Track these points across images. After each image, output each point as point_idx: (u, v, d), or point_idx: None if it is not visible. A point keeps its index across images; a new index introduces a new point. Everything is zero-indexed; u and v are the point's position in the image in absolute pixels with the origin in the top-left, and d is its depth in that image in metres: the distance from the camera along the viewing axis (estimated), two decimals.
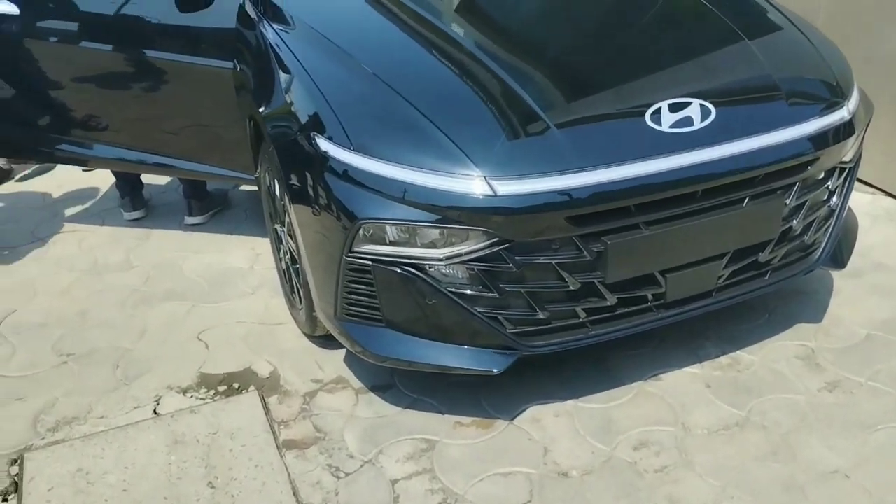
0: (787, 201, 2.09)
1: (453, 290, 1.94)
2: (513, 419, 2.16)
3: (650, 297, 2.07)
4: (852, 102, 2.17)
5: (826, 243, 2.30)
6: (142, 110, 2.95)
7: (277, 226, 2.51)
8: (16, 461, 2.08)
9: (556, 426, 2.13)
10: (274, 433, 2.14)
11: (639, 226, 1.93)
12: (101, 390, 2.35)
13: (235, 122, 2.67)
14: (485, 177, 1.82)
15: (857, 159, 2.31)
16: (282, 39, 2.32)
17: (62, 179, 3.93)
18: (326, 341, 2.44)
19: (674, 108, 1.95)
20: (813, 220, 2.23)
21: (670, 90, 2.01)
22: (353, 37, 2.28)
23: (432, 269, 1.93)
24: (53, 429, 2.20)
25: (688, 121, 1.95)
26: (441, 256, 1.89)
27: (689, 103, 1.97)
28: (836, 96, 2.17)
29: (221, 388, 2.36)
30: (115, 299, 2.84)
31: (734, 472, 1.95)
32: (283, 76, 2.21)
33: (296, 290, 2.43)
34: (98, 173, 3.81)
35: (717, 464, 1.98)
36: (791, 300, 2.60)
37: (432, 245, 1.90)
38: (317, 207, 1.99)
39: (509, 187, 1.82)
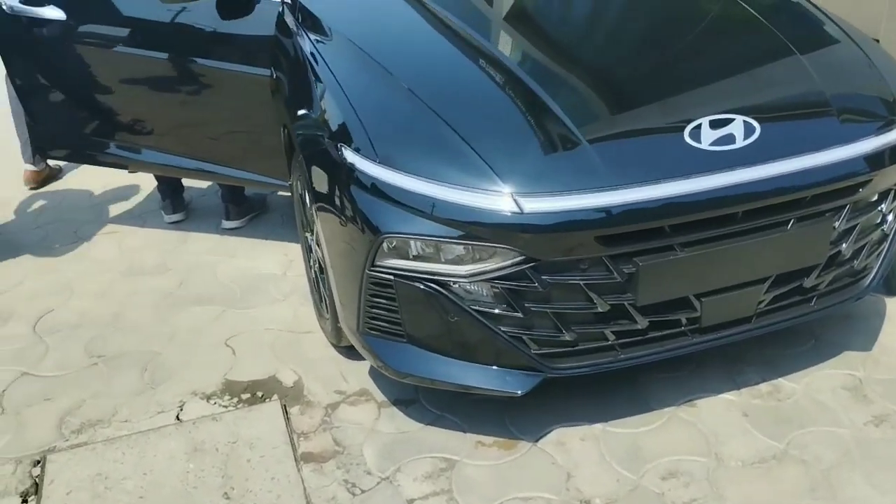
0: (836, 225, 1.98)
1: (477, 307, 1.88)
2: (537, 441, 2.10)
3: (684, 321, 1.98)
4: None
5: (878, 269, 2.17)
6: (183, 116, 2.97)
7: (308, 234, 2.49)
8: (38, 462, 2.10)
9: (581, 450, 2.06)
10: (293, 445, 2.11)
11: (673, 247, 1.84)
12: (127, 393, 2.37)
13: (273, 129, 2.67)
14: (511, 193, 1.77)
15: None
16: (316, 48, 2.30)
17: (107, 180, 4.00)
18: (352, 352, 2.41)
19: (715, 124, 1.86)
20: (864, 245, 2.10)
21: (712, 105, 1.91)
22: (387, 47, 2.24)
23: (455, 286, 1.88)
24: (78, 431, 2.22)
25: (730, 138, 1.85)
26: (464, 273, 1.84)
27: (732, 120, 1.88)
28: (892, 114, 2.04)
29: (245, 396, 2.35)
30: (148, 302, 2.86)
31: None
32: (314, 85, 2.19)
33: (323, 299, 2.41)
34: (141, 174, 3.87)
35: (750, 499, 1.88)
36: (839, 326, 2.47)
37: (456, 261, 1.85)
38: (341, 219, 1.96)
39: (536, 204, 1.76)
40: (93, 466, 2.04)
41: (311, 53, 2.31)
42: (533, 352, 1.93)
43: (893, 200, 2.10)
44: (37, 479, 2.05)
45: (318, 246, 2.24)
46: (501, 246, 1.79)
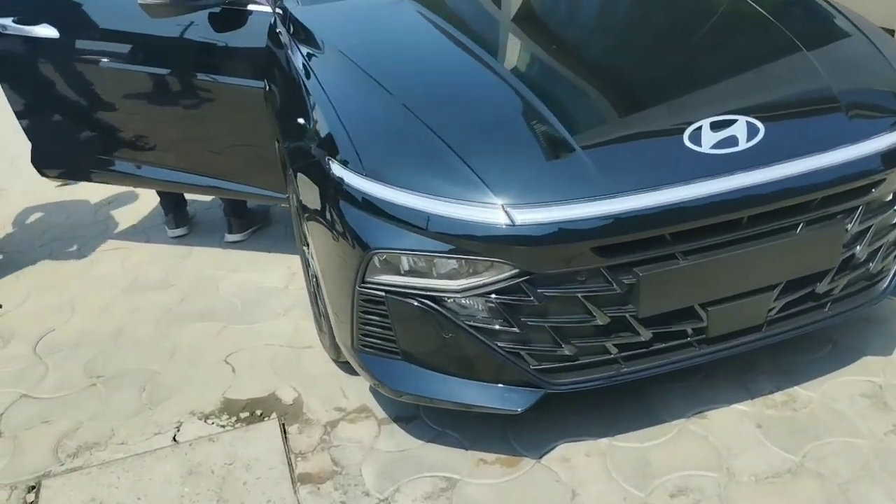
0: (849, 227, 1.88)
1: (472, 323, 1.82)
2: (540, 457, 2.02)
3: (690, 331, 1.90)
4: None
5: (895, 271, 2.06)
6: (183, 131, 2.95)
7: (305, 247, 2.44)
8: (33, 488, 2.07)
9: (586, 467, 1.98)
10: (290, 465, 2.06)
11: (675, 256, 1.76)
12: (125, 414, 2.33)
13: (271, 142, 2.63)
14: (503, 205, 1.70)
15: None
16: (305, 59, 2.25)
17: (111, 195, 4.00)
18: (352, 367, 2.35)
19: (716, 126, 1.78)
20: (880, 247, 2.00)
21: (713, 106, 1.83)
22: (377, 58, 2.17)
23: (449, 301, 1.81)
24: (74, 454, 2.19)
25: (732, 140, 1.77)
26: (458, 288, 1.78)
27: (734, 121, 1.79)
28: None
29: (243, 415, 2.30)
30: (149, 319, 2.84)
31: None
32: (303, 97, 2.14)
33: (322, 313, 2.36)
34: (144, 189, 3.85)
35: None
36: (858, 330, 2.36)
37: (449, 276, 1.79)
38: (331, 234, 1.91)
39: (529, 216, 1.69)
40: (87, 492, 2.01)
41: (301, 64, 2.26)
42: (532, 367, 1.86)
43: None
44: None
45: (313, 259, 2.19)
46: (494, 259, 1.72)
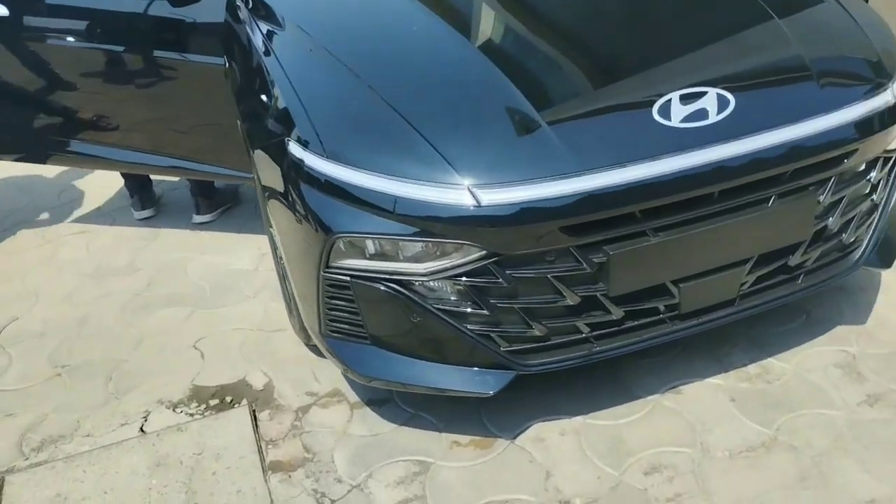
0: (821, 198, 1.85)
1: (440, 306, 1.77)
2: (515, 438, 2.00)
3: (662, 308, 1.87)
4: None
5: (868, 241, 2.05)
6: (145, 110, 2.85)
7: (271, 229, 2.38)
8: None
9: (561, 446, 1.97)
10: (261, 454, 2.03)
11: (646, 233, 1.73)
12: (90, 405, 2.28)
13: (237, 120, 2.54)
14: (468, 185, 1.64)
15: None
16: (264, 35, 2.16)
17: (75, 177, 3.89)
18: None
19: (686, 99, 1.73)
20: (853, 217, 1.98)
21: (682, 78, 1.78)
22: (337, 33, 2.09)
23: (417, 285, 1.77)
24: (38, 448, 2.13)
25: (702, 113, 1.72)
26: (424, 271, 1.73)
27: (704, 93, 1.74)
28: (879, 77, 1.90)
29: (213, 402, 2.26)
30: (115, 305, 2.77)
31: (755, 502, 1.76)
32: (262, 76, 2.06)
33: (291, 297, 2.30)
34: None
35: (737, 492, 1.79)
36: (832, 300, 2.36)
37: (416, 259, 1.74)
38: (293, 217, 1.85)
39: (495, 196, 1.63)
40: (52, 487, 1.96)
41: (259, 41, 2.17)
42: (502, 349, 1.82)
43: (882, 169, 1.97)
44: None
45: (278, 242, 2.13)
46: (461, 242, 1.68)
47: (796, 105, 1.77)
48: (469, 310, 1.78)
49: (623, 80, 1.83)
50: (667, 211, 1.71)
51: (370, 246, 1.75)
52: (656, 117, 1.70)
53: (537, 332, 1.81)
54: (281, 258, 2.31)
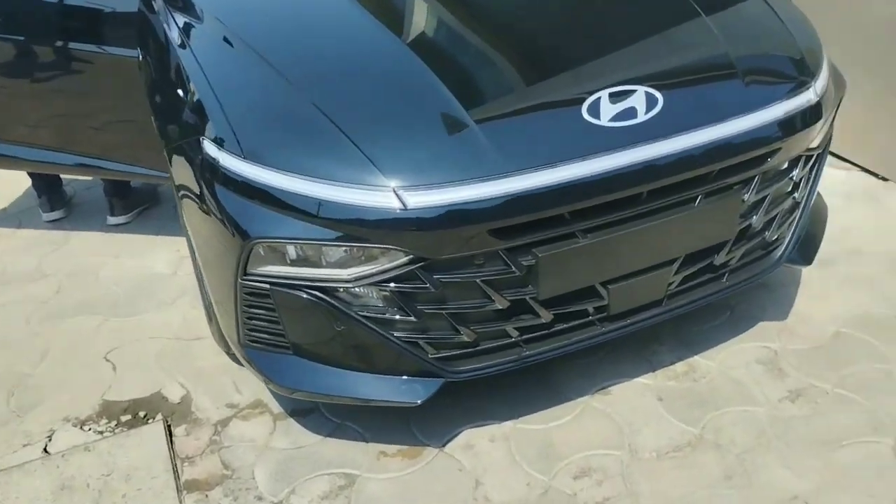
0: (746, 197, 1.87)
1: (366, 314, 1.70)
2: (444, 446, 1.95)
3: (591, 310, 1.85)
4: (820, 82, 1.92)
5: (790, 239, 2.08)
6: (53, 106, 2.66)
7: (188, 232, 2.25)
8: None
9: (491, 453, 1.93)
10: (175, 472, 1.91)
11: (575, 234, 1.70)
12: None
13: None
14: (394, 187, 1.58)
15: (827, 144, 2.08)
16: (179, 27, 2.03)
17: None
18: None
19: (615, 97, 1.70)
20: (775, 215, 2.00)
21: (611, 76, 1.75)
22: (258, 25, 1.99)
23: (341, 292, 1.69)
24: None
25: (631, 112, 1.70)
26: (348, 277, 1.65)
27: (633, 91, 1.72)
28: (802, 75, 1.92)
29: (125, 419, 2.12)
30: (20, 314, 2.58)
31: (681, 503, 1.76)
32: (176, 70, 1.94)
33: (209, 303, 2.19)
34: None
35: (664, 494, 1.79)
36: (755, 296, 2.39)
37: (339, 264, 1.67)
38: (209, 221, 1.74)
39: (422, 198, 1.57)
40: None
41: (174, 32, 2.04)
42: (430, 356, 1.77)
43: (804, 167, 2.00)
44: None
45: (194, 246, 2.01)
46: (387, 246, 1.61)
47: (722, 104, 1.77)
48: (396, 316, 1.71)
49: (553, 78, 1.79)
50: (596, 212, 1.69)
51: (291, 251, 1.67)
52: (586, 116, 1.68)
53: (466, 338, 1.76)
54: (198, 263, 2.19)
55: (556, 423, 2.00)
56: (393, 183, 1.58)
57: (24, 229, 3.16)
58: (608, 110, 1.69)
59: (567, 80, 1.78)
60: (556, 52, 1.90)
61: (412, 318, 1.70)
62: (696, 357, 2.20)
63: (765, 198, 1.93)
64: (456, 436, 1.98)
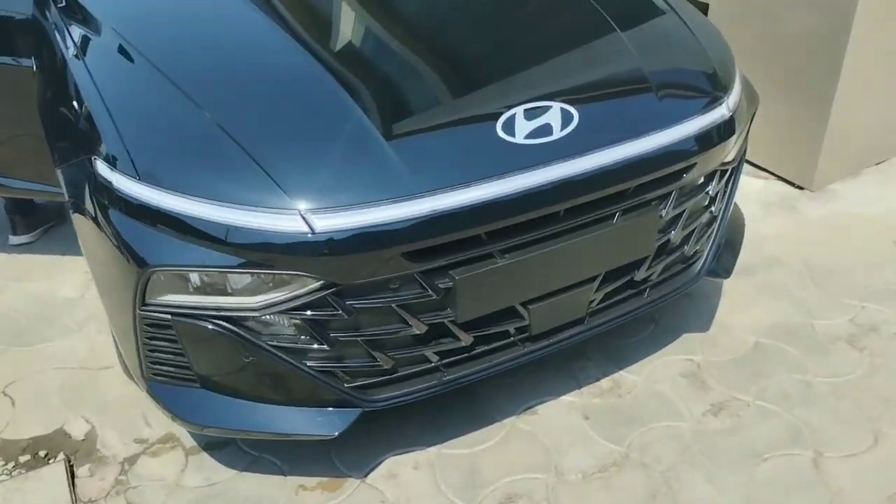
0: (663, 213, 1.86)
1: (276, 343, 1.62)
2: (365, 476, 1.88)
3: (513, 331, 1.81)
4: (733, 97, 1.94)
5: (709, 252, 2.09)
6: None
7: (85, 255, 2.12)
8: None
9: (414, 481, 1.86)
10: None
11: (493, 255, 1.65)
12: None
13: None
14: (300, 210, 1.50)
15: (741, 157, 2.10)
16: (71, 36, 1.91)
17: None
18: None
19: (530, 114, 1.67)
20: (693, 230, 2.01)
21: (526, 92, 1.72)
22: (156, 35, 1.88)
23: (248, 321, 1.60)
24: None
25: (546, 129, 1.67)
26: (256, 306, 1.57)
27: (549, 108, 1.69)
28: (715, 90, 1.93)
29: (23, 459, 1.98)
30: None
31: None
32: (68, 82, 1.81)
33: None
34: None
35: None
36: (678, 308, 2.40)
37: (246, 292, 1.58)
38: (102, 247, 1.63)
39: (330, 222, 1.50)
40: None
41: (66, 40, 1.92)
42: (346, 385, 1.69)
43: (720, 181, 2.01)
44: None
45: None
46: (295, 272, 1.53)
47: (637, 120, 1.76)
48: (308, 345, 1.63)
49: (467, 94, 1.75)
50: (513, 231, 1.65)
51: (194, 279, 1.57)
52: (500, 133, 1.63)
53: (383, 365, 1.69)
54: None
55: (481, 446, 1.96)
56: (299, 205, 1.50)
57: None
58: (523, 127, 1.65)
59: (481, 97, 1.74)
60: (470, 68, 1.86)
61: (326, 347, 1.63)
62: (621, 372, 2.18)
63: (682, 213, 1.92)
64: (379, 464, 1.91)
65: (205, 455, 1.95)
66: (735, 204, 2.22)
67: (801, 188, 3.02)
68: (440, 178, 1.57)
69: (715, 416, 2.03)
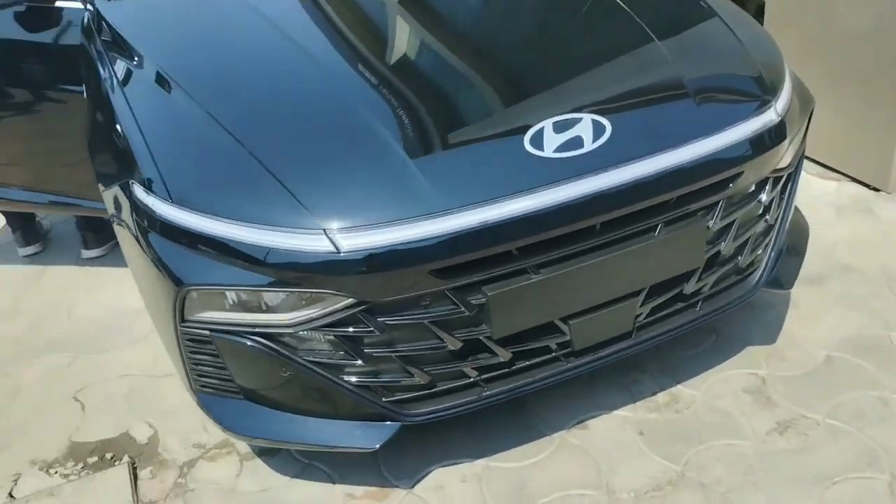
0: (711, 224, 1.76)
1: (312, 358, 1.64)
2: (413, 487, 1.88)
3: (554, 346, 1.77)
4: (782, 101, 1.81)
5: (766, 263, 1.97)
6: (26, 145, 2.64)
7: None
8: None
9: (461, 494, 1.85)
10: None
11: (526, 270, 1.62)
12: None
13: None
14: (325, 230, 1.51)
15: (799, 162, 1.96)
16: (111, 65, 1.99)
17: None
18: None
19: (559, 127, 1.62)
20: (747, 240, 1.90)
21: (555, 105, 1.66)
22: (190, 65, 1.92)
23: (284, 337, 1.63)
24: None
25: (577, 142, 1.61)
26: (290, 322, 1.59)
27: (579, 120, 1.63)
28: (762, 94, 1.81)
29: (91, 461, 2.09)
30: None
31: None
32: (108, 110, 1.89)
33: None
34: None
35: None
36: (741, 318, 2.28)
37: (280, 309, 1.60)
38: (143, 267, 1.70)
39: (356, 241, 1.50)
40: None
41: (105, 68, 2.00)
42: (384, 400, 1.70)
43: (773, 188, 1.89)
44: None
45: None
46: (324, 291, 1.54)
47: (675, 129, 1.67)
48: (343, 361, 1.65)
49: (493, 109, 1.71)
50: (546, 247, 1.60)
51: (230, 297, 1.61)
52: (528, 148, 1.59)
53: (420, 380, 1.69)
54: None
55: (530, 460, 1.92)
56: (325, 225, 1.51)
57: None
58: (552, 141, 1.60)
59: (509, 112, 1.70)
60: (497, 82, 1.82)
61: (360, 362, 1.64)
62: (678, 386, 2.09)
63: (732, 223, 1.82)
64: (426, 476, 1.91)
65: (258, 461, 2.00)
66: (797, 209, 2.09)
67: (876, 190, 2.81)
68: (465, 195, 1.54)
69: (781, 435, 1.91)
